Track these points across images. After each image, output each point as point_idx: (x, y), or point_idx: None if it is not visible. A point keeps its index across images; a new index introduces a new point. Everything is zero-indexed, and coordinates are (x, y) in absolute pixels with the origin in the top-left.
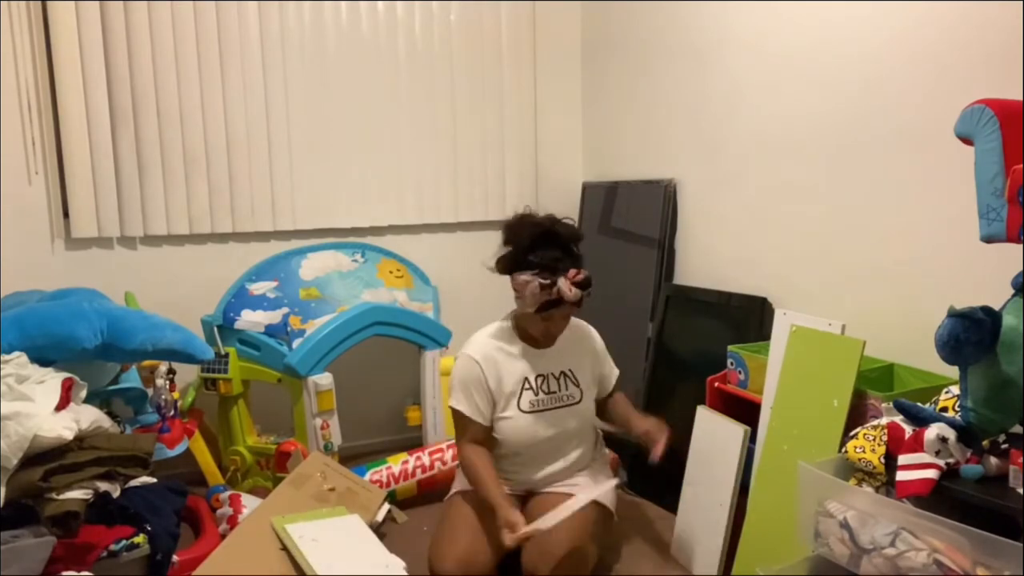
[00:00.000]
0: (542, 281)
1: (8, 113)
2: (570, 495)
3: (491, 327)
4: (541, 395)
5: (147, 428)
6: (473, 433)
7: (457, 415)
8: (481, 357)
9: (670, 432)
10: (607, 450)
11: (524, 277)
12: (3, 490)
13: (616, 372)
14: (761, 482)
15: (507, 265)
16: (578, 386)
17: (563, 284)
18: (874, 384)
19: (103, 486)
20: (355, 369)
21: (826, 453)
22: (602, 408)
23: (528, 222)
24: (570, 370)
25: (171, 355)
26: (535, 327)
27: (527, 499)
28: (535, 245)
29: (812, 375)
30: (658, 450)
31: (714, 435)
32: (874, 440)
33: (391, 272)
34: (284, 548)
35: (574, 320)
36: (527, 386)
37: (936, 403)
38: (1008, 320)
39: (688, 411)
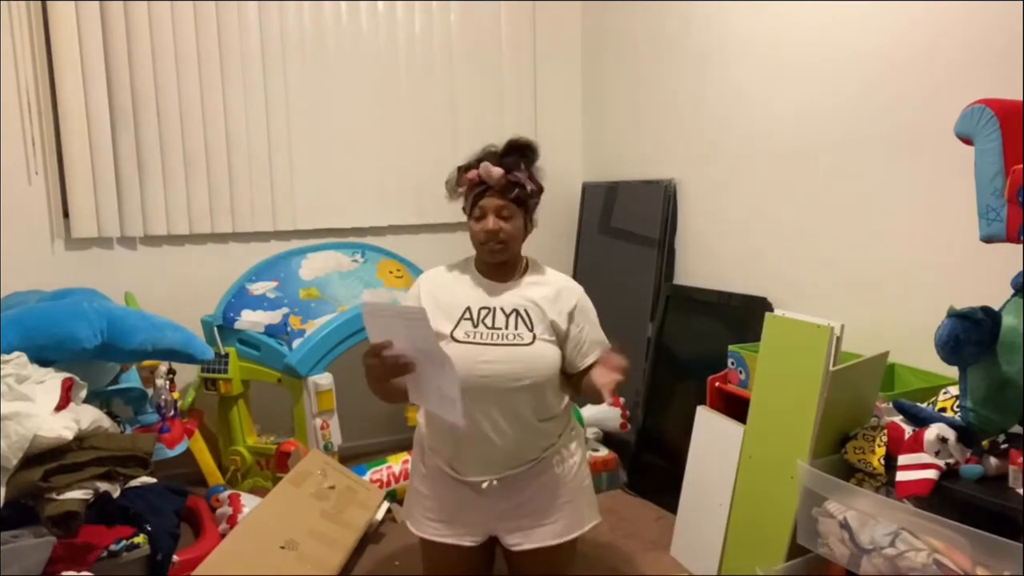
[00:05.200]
0: (461, 165)
1: (8, 113)
2: (550, 546)
3: (457, 260)
4: (481, 328)
5: (147, 428)
6: None
7: None
8: (427, 278)
9: (621, 365)
10: (605, 450)
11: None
12: (3, 490)
13: (605, 341)
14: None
15: (450, 188)
16: (530, 330)
17: (484, 165)
18: None
19: (103, 486)
20: (355, 369)
21: (798, 449)
22: (579, 382)
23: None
24: (525, 311)
25: (171, 355)
26: (476, 234)
27: (498, 553)
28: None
29: (787, 366)
30: (606, 386)
31: (714, 435)
32: (873, 441)
33: (391, 272)
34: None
35: (560, 275)
36: (466, 316)
37: (934, 404)
38: (1008, 320)
39: (688, 411)
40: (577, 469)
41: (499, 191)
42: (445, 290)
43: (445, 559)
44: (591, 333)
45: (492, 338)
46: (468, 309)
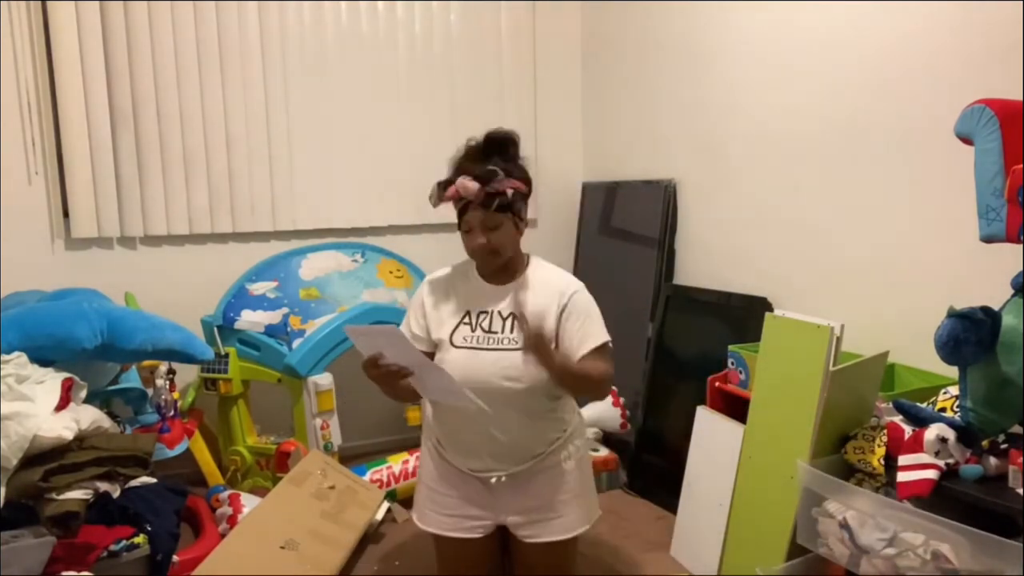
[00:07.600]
0: (440, 181)
1: (8, 113)
2: (559, 540)
3: (458, 260)
4: (479, 332)
5: (147, 428)
6: None
7: None
8: (432, 279)
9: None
10: (605, 450)
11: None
12: (3, 490)
13: (600, 337)
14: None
15: (433, 203)
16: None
17: (460, 180)
18: None
19: (103, 486)
20: (355, 369)
21: (798, 449)
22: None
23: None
24: (523, 314)
25: (171, 355)
26: (466, 247)
27: (505, 542)
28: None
29: (787, 366)
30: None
31: (714, 435)
32: (873, 441)
33: (391, 272)
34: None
35: (559, 273)
36: (465, 320)
37: (934, 404)
38: (1008, 320)
39: (688, 411)
40: (584, 464)
41: (481, 204)
42: (446, 294)
43: (457, 553)
44: (582, 330)
45: (489, 342)
46: (468, 313)
